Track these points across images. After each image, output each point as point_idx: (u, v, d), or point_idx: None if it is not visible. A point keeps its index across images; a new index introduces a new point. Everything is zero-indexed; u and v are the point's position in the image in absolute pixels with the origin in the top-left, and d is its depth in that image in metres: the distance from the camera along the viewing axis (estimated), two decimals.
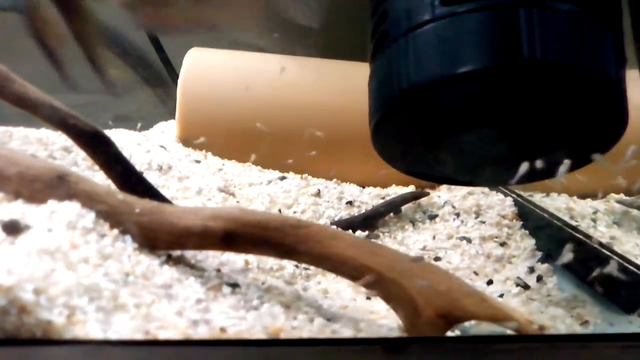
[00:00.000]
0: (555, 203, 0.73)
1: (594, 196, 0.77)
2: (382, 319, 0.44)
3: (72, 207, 0.39)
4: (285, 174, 0.76)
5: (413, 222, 0.69)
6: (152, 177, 0.66)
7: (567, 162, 0.39)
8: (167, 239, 0.41)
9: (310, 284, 0.52)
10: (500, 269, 0.59)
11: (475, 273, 0.58)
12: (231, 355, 0.30)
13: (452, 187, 0.75)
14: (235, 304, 0.38)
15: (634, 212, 0.72)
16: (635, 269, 0.53)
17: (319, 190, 0.71)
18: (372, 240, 0.63)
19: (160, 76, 1.02)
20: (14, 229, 0.35)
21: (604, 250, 0.56)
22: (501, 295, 0.53)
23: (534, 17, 0.36)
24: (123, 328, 0.31)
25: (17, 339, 0.28)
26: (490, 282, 0.56)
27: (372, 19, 0.44)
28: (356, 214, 0.68)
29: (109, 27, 0.99)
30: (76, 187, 0.41)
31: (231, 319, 0.36)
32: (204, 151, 0.78)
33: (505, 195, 0.73)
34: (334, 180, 0.76)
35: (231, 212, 0.42)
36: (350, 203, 0.70)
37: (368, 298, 0.49)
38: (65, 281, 0.32)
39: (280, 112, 0.78)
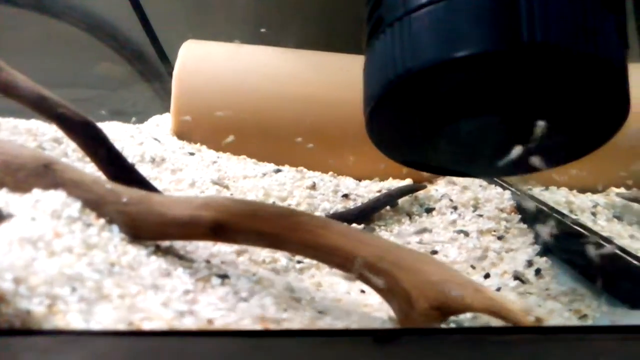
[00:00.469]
0: (555, 196, 0.72)
1: (594, 190, 0.76)
2: (375, 311, 0.43)
3: (57, 196, 0.38)
4: (281, 167, 0.75)
5: (410, 215, 0.68)
6: (145, 169, 0.65)
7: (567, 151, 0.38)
8: (156, 229, 0.40)
9: (304, 276, 0.51)
10: (497, 262, 0.58)
11: (473, 267, 0.57)
12: (218, 346, 0.29)
13: (450, 180, 0.74)
14: (224, 296, 0.38)
15: (635, 205, 0.71)
16: (636, 262, 0.52)
17: (314, 183, 0.70)
18: None
19: (157, 70, 1.01)
20: None
21: (604, 243, 0.55)
22: (498, 289, 0.52)
23: None
24: (106, 319, 0.30)
25: None
26: (487, 276, 0.55)
27: (368, 4, 0.42)
28: (352, 207, 0.67)
29: (105, 20, 0.99)
30: (62, 176, 0.40)
31: (219, 310, 0.35)
32: (198, 144, 0.77)
33: (504, 188, 0.72)
34: (330, 173, 0.75)
35: (222, 201, 0.41)
36: (346, 196, 0.69)
37: (362, 291, 0.48)
38: (47, 270, 0.31)
39: (276, 104, 0.77)
